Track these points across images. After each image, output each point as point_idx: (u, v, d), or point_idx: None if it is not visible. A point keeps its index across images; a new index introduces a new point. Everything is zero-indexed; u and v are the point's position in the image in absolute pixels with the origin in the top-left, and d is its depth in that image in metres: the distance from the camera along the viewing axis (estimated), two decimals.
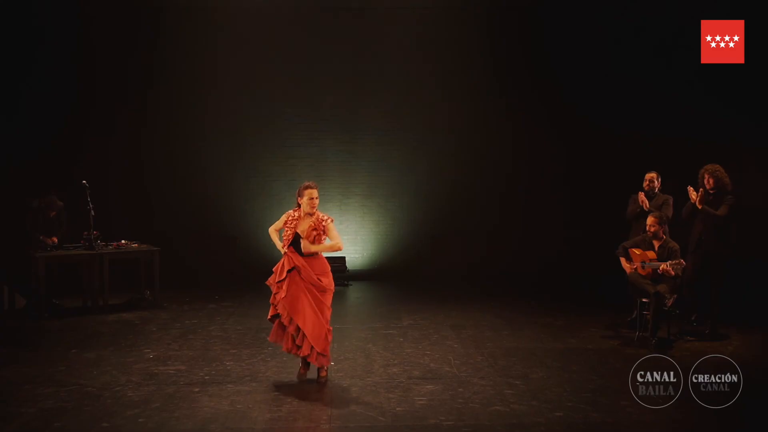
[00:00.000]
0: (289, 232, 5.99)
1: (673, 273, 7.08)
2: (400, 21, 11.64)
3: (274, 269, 6.03)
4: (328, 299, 6.01)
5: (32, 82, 10.98)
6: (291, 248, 5.98)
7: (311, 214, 5.98)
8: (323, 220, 5.98)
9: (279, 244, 6.13)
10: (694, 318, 7.88)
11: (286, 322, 5.86)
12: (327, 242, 6.07)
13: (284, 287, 5.90)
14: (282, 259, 6.02)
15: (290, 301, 5.86)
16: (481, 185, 11.92)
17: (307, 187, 6.00)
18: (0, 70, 10.70)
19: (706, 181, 7.57)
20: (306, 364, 6.06)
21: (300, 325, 5.83)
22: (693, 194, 7.47)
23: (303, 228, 5.96)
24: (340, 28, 11.64)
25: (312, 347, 5.85)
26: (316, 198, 5.98)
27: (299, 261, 5.92)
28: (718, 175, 7.53)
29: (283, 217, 6.11)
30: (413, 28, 11.66)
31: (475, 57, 11.82)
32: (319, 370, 6.03)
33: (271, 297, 6.00)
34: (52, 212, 9.22)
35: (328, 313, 6.01)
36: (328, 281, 6.00)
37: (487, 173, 11.94)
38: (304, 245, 5.91)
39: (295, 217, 6.03)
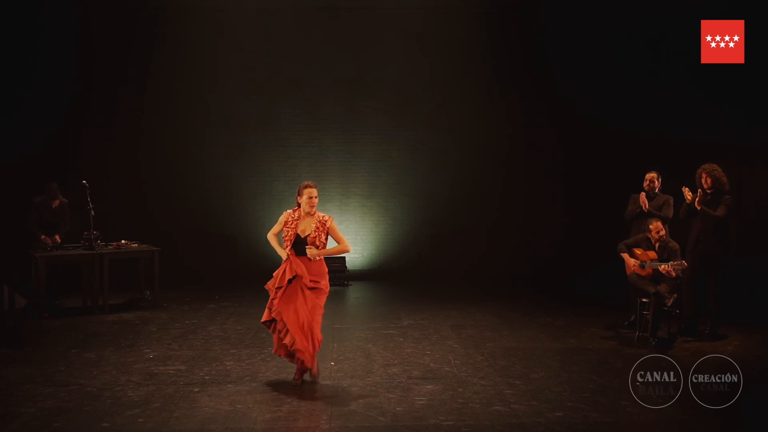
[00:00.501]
0: (290, 233, 5.94)
1: (674, 274, 7.09)
2: (400, 21, 11.64)
3: (274, 274, 5.98)
4: (322, 300, 5.97)
5: (32, 81, 10.99)
6: (292, 251, 5.93)
7: (311, 214, 5.96)
8: (325, 222, 5.96)
9: (280, 250, 6.03)
10: (706, 328, 7.66)
11: (280, 327, 5.82)
12: (330, 245, 6.03)
13: (280, 294, 5.84)
14: (283, 264, 5.95)
15: (284, 306, 5.80)
16: (480, 185, 11.92)
17: (306, 186, 5.98)
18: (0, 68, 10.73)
19: (703, 181, 7.57)
20: (301, 371, 5.97)
21: (287, 325, 5.74)
22: (688, 195, 7.48)
23: (304, 228, 5.93)
24: (340, 28, 11.64)
25: (306, 345, 5.78)
26: (316, 197, 5.95)
27: (298, 265, 5.87)
28: (716, 174, 7.52)
29: (282, 218, 6.04)
30: (413, 28, 11.66)
31: (475, 57, 11.82)
32: (302, 367, 5.92)
33: (269, 301, 5.97)
34: (55, 202, 9.17)
35: (320, 315, 5.93)
36: (325, 283, 5.98)
37: (487, 173, 11.94)
38: (311, 253, 5.86)
39: (295, 218, 5.98)
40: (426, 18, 11.66)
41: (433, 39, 11.75)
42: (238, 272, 11.43)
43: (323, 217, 5.98)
